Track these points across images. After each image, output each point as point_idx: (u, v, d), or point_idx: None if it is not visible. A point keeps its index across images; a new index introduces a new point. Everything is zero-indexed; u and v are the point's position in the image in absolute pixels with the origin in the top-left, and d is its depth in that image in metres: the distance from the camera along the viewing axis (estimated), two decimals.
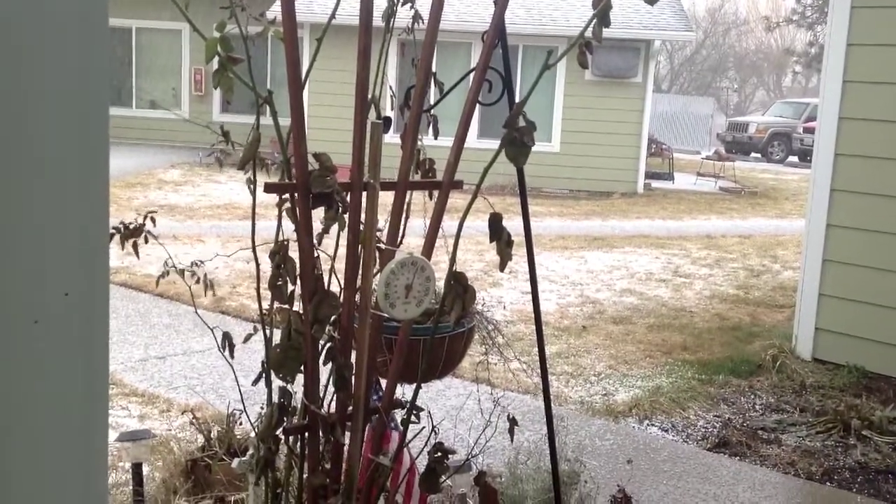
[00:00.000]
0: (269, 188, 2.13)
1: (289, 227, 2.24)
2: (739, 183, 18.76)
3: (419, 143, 2.64)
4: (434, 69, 2.63)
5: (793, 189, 18.74)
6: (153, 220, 2.38)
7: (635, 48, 16.06)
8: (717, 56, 48.12)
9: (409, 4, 2.69)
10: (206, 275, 2.69)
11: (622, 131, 16.31)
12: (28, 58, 0.93)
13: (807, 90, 43.42)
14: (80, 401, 1.03)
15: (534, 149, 2.37)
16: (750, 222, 13.74)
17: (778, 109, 30.62)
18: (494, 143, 2.57)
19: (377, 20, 2.42)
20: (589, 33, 2.35)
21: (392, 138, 2.33)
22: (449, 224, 2.52)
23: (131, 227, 2.35)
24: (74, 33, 0.97)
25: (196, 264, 2.74)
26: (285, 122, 2.10)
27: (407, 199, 2.56)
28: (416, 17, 2.71)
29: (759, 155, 28.15)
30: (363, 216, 2.32)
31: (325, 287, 2.28)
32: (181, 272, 2.63)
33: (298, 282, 2.21)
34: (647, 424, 4.89)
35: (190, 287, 2.89)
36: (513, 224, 2.68)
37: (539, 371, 3.40)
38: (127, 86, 20.13)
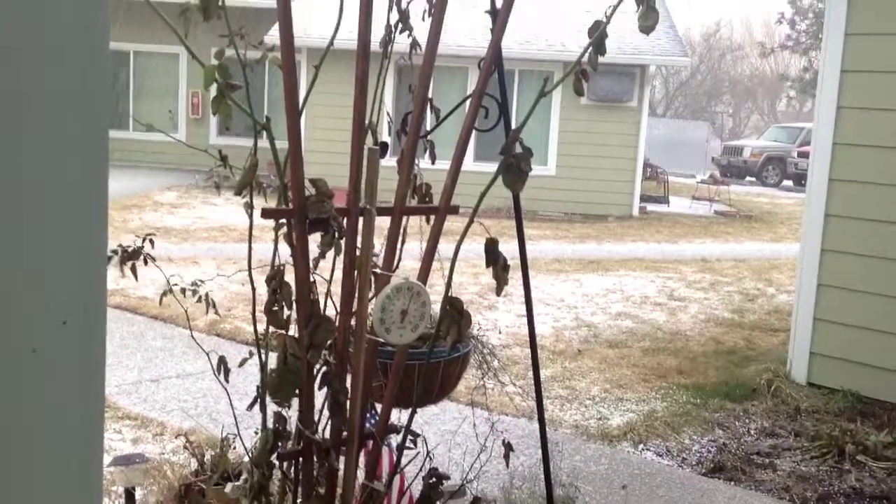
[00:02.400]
0: (266, 214, 2.14)
1: (285, 250, 2.25)
2: (734, 207, 18.82)
3: (416, 168, 2.65)
4: (430, 95, 2.65)
5: (787, 213, 18.81)
6: (151, 242, 2.38)
7: (631, 73, 16.16)
8: (713, 80, 48.41)
9: (407, 32, 2.71)
10: (207, 294, 2.69)
11: (618, 155, 16.38)
12: (28, 81, 0.94)
13: (801, 115, 43.69)
14: (76, 429, 1.03)
15: (529, 172, 2.39)
16: (745, 246, 13.77)
17: (773, 134, 30.80)
18: (491, 167, 2.59)
19: (375, 44, 2.44)
20: (585, 58, 2.37)
21: (389, 161, 2.34)
22: (445, 247, 2.53)
23: (130, 249, 2.36)
24: (75, 58, 0.98)
25: (197, 284, 2.74)
26: (282, 144, 2.12)
27: (403, 224, 2.57)
28: (414, 44, 2.73)
29: (753, 179, 28.29)
30: (359, 241, 2.33)
31: (321, 312, 2.28)
32: (183, 291, 2.63)
33: (294, 306, 2.22)
34: (643, 449, 4.88)
35: (186, 310, 2.89)
36: (509, 247, 2.69)
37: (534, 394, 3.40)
38: (124, 108, 20.19)
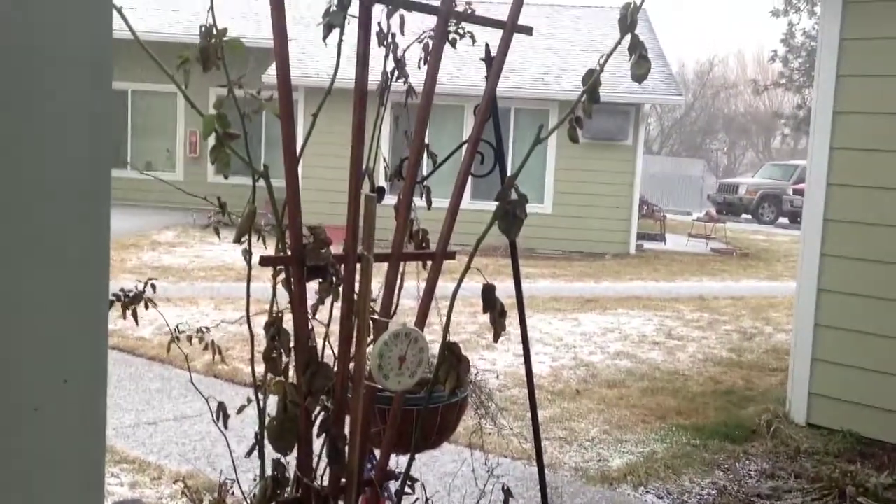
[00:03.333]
0: (264, 261, 2.15)
1: (282, 294, 2.26)
2: (731, 244, 18.87)
3: (413, 212, 2.68)
4: (427, 140, 2.68)
5: (784, 250, 18.86)
6: (153, 287, 2.39)
7: (625, 111, 16.29)
8: (707, 118, 48.79)
9: (403, 80, 2.74)
10: (213, 341, 2.69)
11: (614, 193, 16.46)
12: (29, 123, 0.95)
13: (796, 152, 43.92)
14: (77, 484, 1.03)
15: (525, 218, 2.41)
16: (742, 284, 13.79)
17: (768, 171, 30.99)
18: (487, 205, 2.61)
19: (371, 84, 2.47)
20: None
21: (386, 200, 2.37)
22: (443, 285, 2.54)
23: (131, 294, 2.37)
24: (80, 99, 1.00)
25: (202, 330, 2.74)
26: (279, 183, 2.12)
27: (401, 270, 2.58)
28: (410, 90, 2.77)
29: (749, 216, 28.39)
30: (357, 287, 2.34)
31: (320, 358, 2.29)
32: (189, 339, 2.63)
33: (293, 353, 2.23)
34: (643, 491, 4.86)
35: (186, 355, 2.90)
36: (506, 286, 2.70)
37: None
38: (122, 147, 20.27)
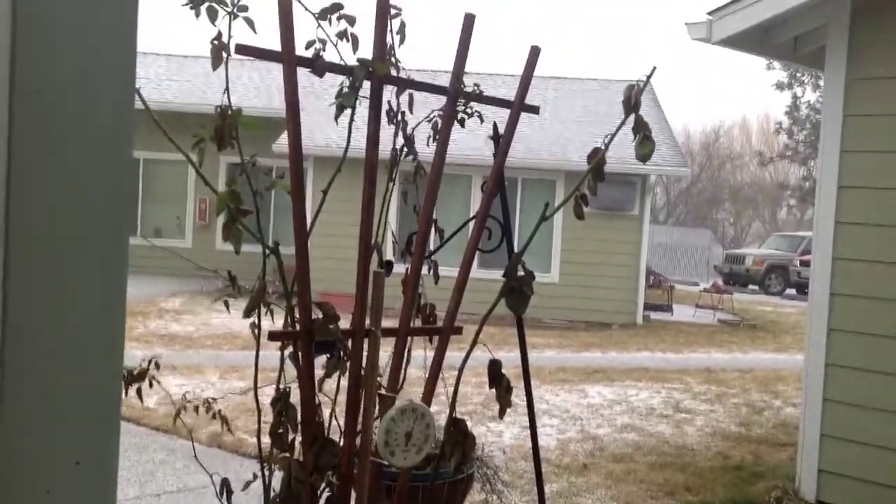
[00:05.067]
0: (273, 337, 2.17)
1: (289, 366, 2.27)
2: (738, 315, 18.81)
3: (420, 287, 2.70)
4: (434, 209, 2.72)
5: (792, 322, 18.77)
6: (157, 365, 2.41)
7: (632, 182, 16.41)
8: (713, 188, 49.06)
9: (412, 157, 2.80)
10: (220, 411, 2.70)
11: (620, 263, 16.50)
12: (52, 194, 0.98)
13: (802, 223, 44.08)
14: None
15: (532, 295, 2.43)
16: (750, 356, 13.71)
17: (774, 242, 31.03)
18: (495, 273, 2.63)
19: (382, 156, 2.52)
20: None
21: (394, 271, 2.40)
22: (450, 355, 2.55)
23: (135, 371, 2.38)
24: (103, 170, 1.02)
25: (208, 401, 2.74)
26: (287, 250, 2.14)
27: (408, 344, 2.60)
28: (419, 168, 2.82)
29: (756, 287, 28.34)
30: (364, 362, 2.35)
31: (326, 433, 2.29)
32: (196, 409, 2.64)
33: (299, 428, 2.23)
34: None
35: (191, 431, 2.90)
36: (512, 356, 2.70)
37: None
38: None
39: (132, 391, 2.37)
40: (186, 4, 2.08)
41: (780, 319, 19.49)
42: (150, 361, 2.41)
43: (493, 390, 2.48)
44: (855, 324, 5.68)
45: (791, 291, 27.67)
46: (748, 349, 14.50)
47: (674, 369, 11.82)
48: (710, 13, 6.15)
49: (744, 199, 50.30)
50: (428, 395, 2.51)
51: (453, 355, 2.50)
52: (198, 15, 2.07)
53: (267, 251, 2.21)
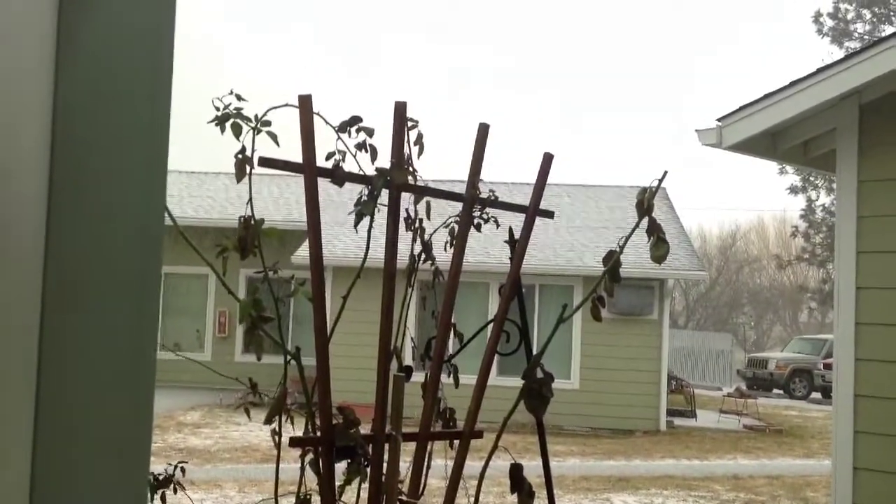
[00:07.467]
0: (294, 443, 2.18)
1: (309, 474, 2.26)
2: (764, 420, 18.48)
3: (440, 391, 2.71)
4: (453, 315, 2.75)
5: (819, 427, 18.41)
6: (183, 470, 2.41)
7: (649, 286, 16.42)
8: (732, 292, 48.90)
9: (430, 262, 2.84)
10: None
11: (641, 368, 16.35)
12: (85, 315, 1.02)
13: (824, 326, 43.67)
14: None
15: (553, 386, 2.44)
16: (777, 462, 13.41)
17: (797, 345, 30.73)
18: (514, 381, 2.63)
19: (400, 263, 2.56)
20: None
21: (414, 377, 2.41)
22: (470, 464, 2.53)
23: (161, 477, 2.39)
24: (128, 289, 1.06)
25: None
26: (307, 361, 2.16)
27: (428, 450, 2.59)
28: (437, 273, 2.86)
29: (780, 391, 27.92)
30: (385, 467, 2.34)
31: None
32: None
33: None
34: None
35: None
36: (534, 465, 2.67)
37: None
38: None
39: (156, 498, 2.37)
40: (212, 122, 2.17)
41: (807, 424, 19.12)
42: (175, 466, 2.41)
43: (515, 496, 2.45)
44: (880, 425, 5.58)
45: (816, 395, 27.22)
46: (775, 455, 14.20)
47: (700, 476, 11.57)
48: (719, 119, 6.27)
49: (764, 302, 50.06)
50: (449, 503, 2.49)
51: (473, 465, 2.48)
52: (223, 131, 2.16)
53: (288, 357, 2.23)
